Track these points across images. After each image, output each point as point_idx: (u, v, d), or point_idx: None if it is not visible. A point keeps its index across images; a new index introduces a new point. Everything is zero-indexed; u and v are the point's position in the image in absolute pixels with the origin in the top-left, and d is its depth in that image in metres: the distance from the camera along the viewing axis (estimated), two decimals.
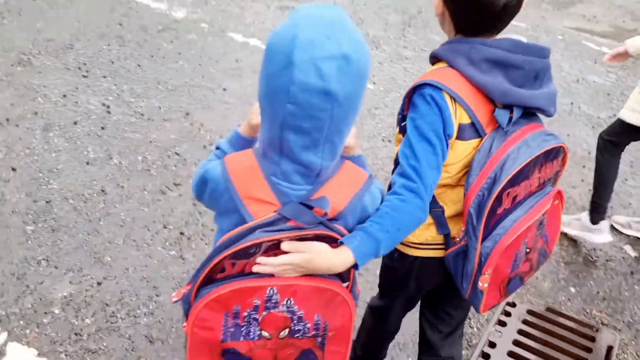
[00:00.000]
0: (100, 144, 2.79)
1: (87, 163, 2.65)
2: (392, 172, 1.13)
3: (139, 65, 3.52)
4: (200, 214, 2.46)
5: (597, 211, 2.54)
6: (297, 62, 0.81)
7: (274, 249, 0.94)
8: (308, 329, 0.99)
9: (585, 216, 2.59)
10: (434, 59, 1.15)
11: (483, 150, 1.09)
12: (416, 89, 1.09)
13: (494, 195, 1.07)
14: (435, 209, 1.17)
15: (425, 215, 1.07)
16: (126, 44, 3.76)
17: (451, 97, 1.06)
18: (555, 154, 1.17)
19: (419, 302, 1.46)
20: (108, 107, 3.08)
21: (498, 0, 1.03)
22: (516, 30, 4.96)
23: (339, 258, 0.96)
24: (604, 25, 5.60)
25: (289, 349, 1.01)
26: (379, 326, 1.56)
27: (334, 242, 0.97)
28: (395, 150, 1.18)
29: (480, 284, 1.14)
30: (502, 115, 1.08)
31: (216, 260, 0.93)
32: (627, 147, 2.51)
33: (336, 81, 0.83)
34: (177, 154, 2.82)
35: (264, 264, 0.94)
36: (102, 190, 2.50)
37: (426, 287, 1.36)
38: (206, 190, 1.01)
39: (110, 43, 3.73)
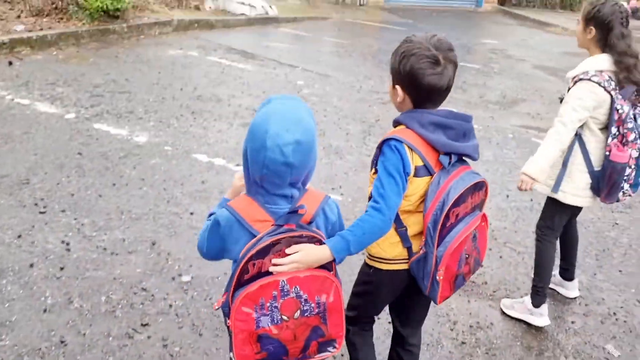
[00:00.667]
0: (59, 286, 2.58)
1: (45, 310, 2.42)
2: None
3: (100, 196, 3.41)
4: (172, 356, 2.24)
5: (538, 294, 2.63)
6: (268, 147, 1.31)
7: (281, 251, 1.36)
8: (313, 307, 1.39)
9: (527, 299, 2.68)
10: (396, 123, 1.62)
11: (434, 183, 1.56)
12: (385, 142, 1.56)
13: (444, 213, 1.52)
14: (400, 228, 1.62)
15: (386, 227, 1.52)
16: (86, 173, 3.66)
17: (409, 147, 1.54)
18: (480, 186, 1.64)
19: (391, 308, 1.91)
20: (67, 244, 2.90)
21: (442, 85, 1.54)
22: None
23: (322, 253, 1.41)
24: (548, 121, 5.95)
25: (302, 327, 1.39)
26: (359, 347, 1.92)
27: (317, 242, 1.41)
28: (369, 189, 1.65)
29: (437, 277, 1.57)
30: (444, 160, 1.56)
31: (242, 264, 1.32)
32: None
33: (292, 157, 1.31)
34: (144, 289, 2.63)
35: (276, 263, 1.35)
36: (62, 342, 2.26)
37: (394, 294, 1.78)
38: (218, 233, 1.41)
39: (69, 174, 3.62)
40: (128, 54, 6.74)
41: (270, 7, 10.75)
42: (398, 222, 1.61)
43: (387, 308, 1.93)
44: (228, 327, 1.38)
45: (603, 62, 2.26)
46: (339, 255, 1.45)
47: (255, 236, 1.36)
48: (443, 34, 1.61)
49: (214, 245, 1.45)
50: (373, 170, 1.62)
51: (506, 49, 10.18)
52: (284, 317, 1.37)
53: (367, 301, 1.83)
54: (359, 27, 11.51)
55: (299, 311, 1.38)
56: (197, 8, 9.80)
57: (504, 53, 9.82)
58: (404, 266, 1.66)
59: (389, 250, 1.65)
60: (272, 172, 1.33)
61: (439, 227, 1.54)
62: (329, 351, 1.48)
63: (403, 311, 1.88)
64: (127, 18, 7.62)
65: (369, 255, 1.71)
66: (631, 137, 2.23)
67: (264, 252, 1.34)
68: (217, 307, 1.40)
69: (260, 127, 1.33)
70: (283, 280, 1.35)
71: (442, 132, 1.56)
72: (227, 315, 1.39)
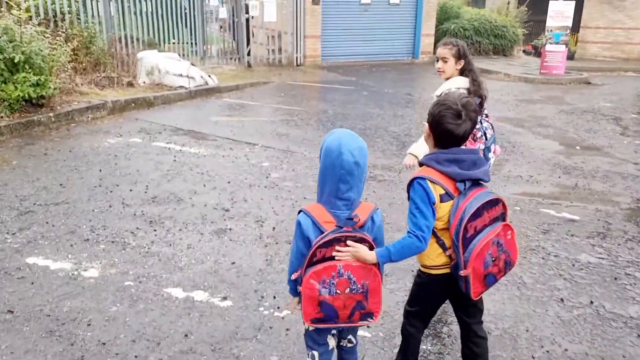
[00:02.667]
0: None
1: None
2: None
3: None
4: None
5: None
6: (343, 152, 1.87)
7: (341, 243, 1.89)
8: (359, 287, 1.92)
9: None
10: (421, 164, 2.08)
11: (454, 206, 1.98)
12: (411, 182, 2.01)
13: (462, 227, 1.95)
14: (439, 241, 2.06)
15: (421, 246, 1.96)
16: (21, 347, 2.63)
17: (431, 181, 1.97)
18: (494, 203, 2.05)
19: (455, 309, 2.34)
20: None
21: (457, 133, 1.98)
22: None
23: (371, 255, 1.91)
24: (546, 185, 5.51)
25: (350, 299, 1.92)
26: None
27: (366, 243, 1.92)
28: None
29: (464, 273, 2.00)
30: (460, 186, 1.99)
31: (312, 250, 1.87)
32: None
33: (359, 157, 1.88)
34: None
35: (339, 250, 1.89)
36: None
37: (444, 294, 2.25)
38: (301, 232, 1.93)
39: None
40: (59, 149, 5.71)
41: (209, 76, 10.05)
42: (437, 237, 2.05)
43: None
44: (299, 292, 1.94)
45: (463, 82, 3.16)
46: (382, 260, 1.92)
47: (323, 232, 1.89)
48: (469, 97, 2.11)
49: (301, 244, 1.94)
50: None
51: None
52: (338, 291, 1.90)
53: (422, 299, 2.27)
54: (303, 89, 11.01)
55: (348, 288, 1.91)
56: (130, 85, 8.91)
57: None
58: (448, 270, 2.09)
59: (437, 260, 2.08)
60: (347, 171, 1.86)
61: (461, 238, 1.95)
62: (368, 320, 1.99)
63: (464, 305, 2.28)
64: (53, 105, 6.61)
65: (423, 265, 2.15)
66: (478, 134, 3.15)
67: (327, 244, 1.87)
68: (294, 278, 1.98)
69: (334, 143, 1.90)
70: (340, 266, 1.88)
71: (456, 165, 1.97)
72: (299, 284, 1.94)
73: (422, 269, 2.16)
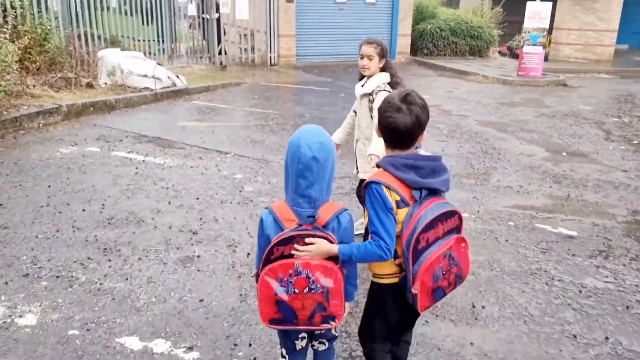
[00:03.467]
0: None
1: None
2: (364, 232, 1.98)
3: None
4: None
5: None
6: (301, 145, 1.82)
7: (299, 241, 1.81)
8: (318, 287, 1.83)
9: None
10: (378, 167, 1.96)
11: (407, 214, 1.87)
12: (367, 186, 1.89)
13: (414, 238, 1.84)
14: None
15: (385, 255, 1.85)
16: None
17: (386, 187, 1.86)
18: (450, 215, 1.94)
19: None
20: None
21: (397, 126, 1.87)
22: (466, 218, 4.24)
23: (331, 248, 1.83)
24: (537, 197, 5.16)
25: (309, 300, 1.83)
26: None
27: (328, 241, 1.84)
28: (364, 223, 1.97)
29: (414, 291, 1.89)
30: (416, 194, 1.87)
31: (269, 247, 1.81)
32: None
33: (317, 152, 1.81)
34: None
35: (297, 249, 1.81)
36: None
37: (398, 308, 2.05)
38: (262, 228, 1.89)
39: None
40: (2, 162, 5.06)
41: (177, 77, 9.42)
42: None
43: None
44: (257, 291, 1.89)
45: (386, 77, 3.44)
46: (342, 256, 1.85)
47: (282, 230, 1.84)
48: (411, 91, 1.94)
49: (261, 242, 1.91)
50: (365, 209, 1.94)
51: (440, 104, 9.63)
52: (296, 290, 1.82)
53: (376, 315, 2.11)
54: (277, 91, 10.49)
55: (307, 288, 1.82)
56: (89, 86, 8.21)
57: (440, 109, 9.23)
58: (396, 280, 1.98)
59: (387, 268, 1.98)
60: (305, 166, 1.81)
61: (412, 249, 1.86)
62: (330, 324, 1.90)
63: (407, 322, 2.21)
64: None
65: (374, 274, 2.04)
66: None
67: (285, 242, 1.81)
68: (252, 275, 2.18)
69: (295, 137, 1.87)
70: (297, 264, 1.81)
71: (414, 172, 1.88)
72: (257, 280, 1.88)
73: (373, 278, 2.07)
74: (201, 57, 12.68)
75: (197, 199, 4.51)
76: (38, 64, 7.90)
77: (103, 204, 4.24)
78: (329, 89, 10.78)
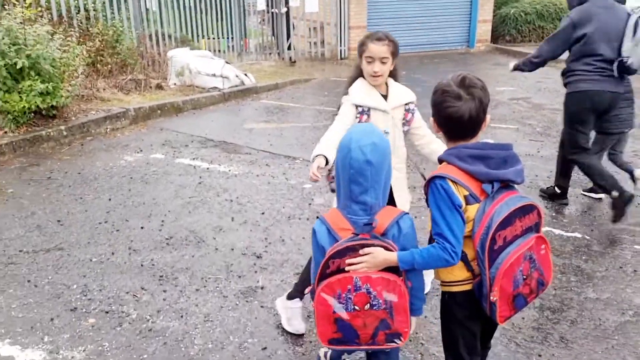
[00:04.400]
0: None
1: None
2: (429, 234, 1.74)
3: None
4: None
5: None
6: (352, 149, 1.65)
7: (355, 252, 1.64)
8: (380, 303, 1.64)
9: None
10: (440, 161, 1.75)
11: (479, 211, 1.65)
12: (429, 182, 1.68)
13: (489, 237, 1.62)
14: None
15: (451, 259, 1.64)
16: None
17: (452, 181, 1.65)
18: (528, 210, 1.70)
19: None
20: None
21: (459, 116, 1.65)
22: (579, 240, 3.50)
23: (390, 256, 1.64)
24: None
25: (372, 317, 1.65)
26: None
27: (387, 249, 1.66)
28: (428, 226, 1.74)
29: (492, 298, 1.65)
30: (487, 188, 1.66)
31: (324, 261, 1.65)
32: None
33: (370, 155, 1.64)
34: None
35: (350, 262, 1.64)
36: None
37: (473, 317, 1.79)
38: (316, 241, 1.73)
39: None
40: (67, 171, 4.89)
41: (245, 75, 9.11)
42: None
43: None
44: (313, 308, 1.71)
45: (409, 94, 2.66)
46: (403, 265, 1.64)
47: (337, 241, 1.67)
48: (466, 73, 1.70)
49: (317, 255, 1.73)
50: (429, 211, 1.73)
51: (529, 97, 8.68)
52: (356, 307, 1.64)
53: (452, 328, 1.84)
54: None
55: (368, 304, 1.64)
56: (159, 87, 8.07)
57: (529, 102, 8.30)
58: (470, 286, 1.73)
59: (458, 274, 1.74)
60: (357, 171, 1.64)
61: (487, 250, 1.62)
62: (395, 342, 1.71)
63: (483, 334, 1.91)
64: (67, 116, 5.83)
65: (442, 282, 1.79)
66: None
67: (340, 254, 1.64)
68: (306, 292, 1.92)
69: (345, 139, 1.70)
70: (357, 278, 1.62)
71: (482, 163, 1.65)
72: (312, 297, 1.70)
73: (442, 286, 1.83)
74: (270, 53, 12.37)
75: (263, 213, 4.08)
76: (110, 66, 7.86)
77: (163, 220, 3.91)
78: (404, 82, 10.06)
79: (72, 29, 6.48)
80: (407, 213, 1.74)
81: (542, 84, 9.89)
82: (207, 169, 5.05)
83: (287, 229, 3.82)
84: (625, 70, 3.77)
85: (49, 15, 7.23)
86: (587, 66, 3.85)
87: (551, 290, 3.10)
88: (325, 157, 2.20)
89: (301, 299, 2.66)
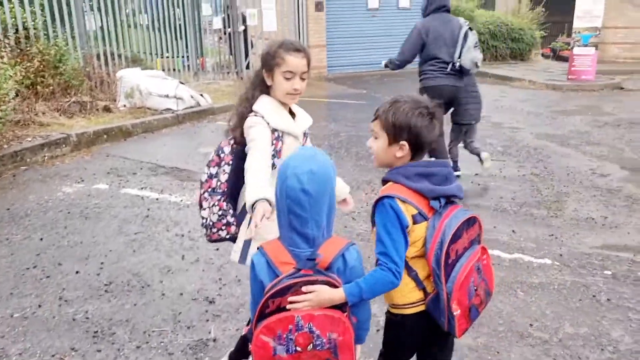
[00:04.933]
0: None
1: None
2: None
3: None
4: None
5: None
6: (288, 176, 1.54)
7: (298, 289, 1.52)
8: (324, 342, 1.53)
9: None
10: (385, 182, 1.74)
11: (430, 227, 1.66)
12: (378, 202, 1.67)
13: (444, 252, 1.62)
14: (411, 272, 1.71)
15: (396, 280, 1.62)
16: None
17: (401, 200, 1.64)
18: (472, 222, 1.74)
19: (425, 354, 1.90)
20: None
21: (433, 138, 1.71)
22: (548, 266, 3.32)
23: (336, 294, 1.55)
24: (630, 231, 4.18)
25: (315, 358, 1.53)
26: None
27: (332, 286, 1.56)
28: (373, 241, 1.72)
29: (453, 312, 1.64)
30: (435, 204, 1.67)
31: (263, 300, 1.51)
32: None
33: (307, 184, 1.52)
34: None
35: (292, 301, 1.52)
36: None
37: (420, 336, 1.81)
38: (255, 275, 1.60)
39: None
40: None
41: (201, 95, 8.75)
42: (408, 268, 1.70)
43: None
44: (250, 352, 1.57)
45: None
46: (351, 299, 1.57)
47: (277, 276, 1.55)
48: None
49: (256, 288, 1.60)
50: (373, 229, 1.72)
51: (488, 115, 8.63)
52: (298, 349, 1.51)
53: (398, 348, 1.86)
54: (308, 106, 9.44)
55: (311, 344, 1.52)
56: (107, 110, 7.61)
57: (489, 121, 8.26)
58: (423, 307, 1.74)
59: (411, 296, 1.73)
60: (294, 201, 1.52)
61: (442, 265, 1.62)
62: None
63: (439, 348, 1.89)
64: None
65: (393, 305, 1.78)
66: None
67: (282, 292, 1.51)
68: (243, 334, 1.80)
69: (283, 165, 1.58)
70: (298, 317, 1.50)
71: (427, 180, 1.68)
72: (250, 341, 1.57)
73: (392, 309, 1.81)
74: (228, 72, 12.07)
75: (217, 249, 3.72)
76: (52, 87, 7.35)
77: (102, 262, 3.49)
78: (364, 101, 9.95)
79: (4, 50, 5.96)
80: (354, 244, 1.64)
81: (499, 102, 9.96)
82: (157, 199, 4.65)
83: (243, 268, 3.45)
84: (460, 70, 4.83)
85: None
86: (432, 67, 4.89)
87: (528, 322, 2.91)
88: (267, 200, 1.77)
89: None
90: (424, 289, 1.71)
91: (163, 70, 10.74)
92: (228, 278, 3.34)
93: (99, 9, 9.43)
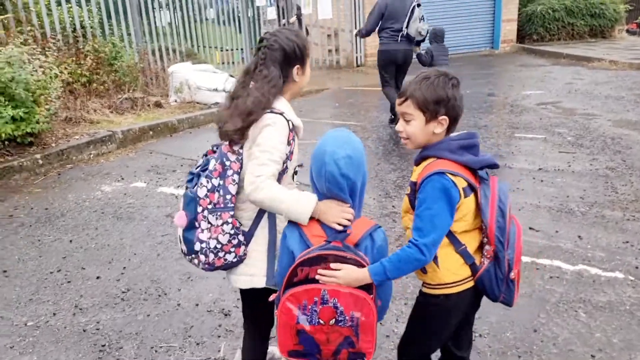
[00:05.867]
0: None
1: None
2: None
3: None
4: None
5: None
6: (327, 162, 1.60)
7: (326, 263, 1.57)
8: (347, 319, 1.57)
9: None
10: (422, 159, 1.71)
11: (483, 197, 1.65)
12: (427, 180, 1.61)
13: (508, 219, 1.65)
14: (460, 248, 1.67)
15: (424, 259, 1.58)
16: None
17: (451, 174, 1.61)
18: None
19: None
20: None
21: (462, 106, 1.69)
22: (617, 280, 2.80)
23: (362, 274, 1.57)
24: None
25: (336, 333, 1.59)
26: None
27: (360, 265, 1.58)
28: (407, 233, 1.75)
29: (511, 277, 1.67)
30: (483, 173, 1.69)
31: (292, 268, 1.57)
32: None
33: (345, 168, 1.60)
34: None
35: (321, 273, 1.57)
36: None
37: (459, 317, 1.78)
38: (285, 244, 1.67)
39: None
40: (32, 207, 4.42)
41: None
42: (456, 243, 1.66)
43: None
44: (276, 317, 1.63)
45: None
46: (376, 278, 1.57)
47: (309, 247, 1.61)
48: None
49: (286, 259, 1.65)
50: (413, 210, 1.69)
51: (559, 101, 7.88)
52: (321, 321, 1.57)
53: (439, 332, 1.79)
54: (362, 96, 9.31)
55: (334, 319, 1.57)
56: (158, 105, 7.63)
57: (560, 107, 7.51)
58: (471, 284, 1.71)
59: (460, 272, 1.68)
60: (333, 185, 1.61)
61: (507, 231, 1.64)
62: None
63: (459, 333, 1.87)
64: (46, 142, 5.40)
65: (434, 285, 1.72)
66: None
67: (310, 262, 1.56)
68: (271, 299, 1.66)
69: (319, 149, 1.63)
70: (325, 290, 1.55)
71: (468, 152, 1.66)
72: (276, 305, 1.63)
73: (431, 289, 1.72)
74: None
75: None
76: (106, 85, 7.47)
77: (124, 267, 3.37)
78: None
79: (49, 50, 6.06)
80: (381, 227, 1.70)
81: (573, 85, 9.07)
82: None
83: None
84: (408, 37, 6.29)
85: (31, 34, 6.85)
86: (386, 34, 6.36)
87: (590, 353, 2.44)
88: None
89: None
90: (472, 264, 1.68)
91: (223, 63, 10.77)
92: None
93: (167, 6, 9.65)
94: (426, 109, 1.63)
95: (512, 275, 1.65)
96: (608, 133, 6.12)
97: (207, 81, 8.00)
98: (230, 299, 3.01)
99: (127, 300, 3.01)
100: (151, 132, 6.44)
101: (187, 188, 1.81)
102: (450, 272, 1.68)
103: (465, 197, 1.63)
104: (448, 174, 1.60)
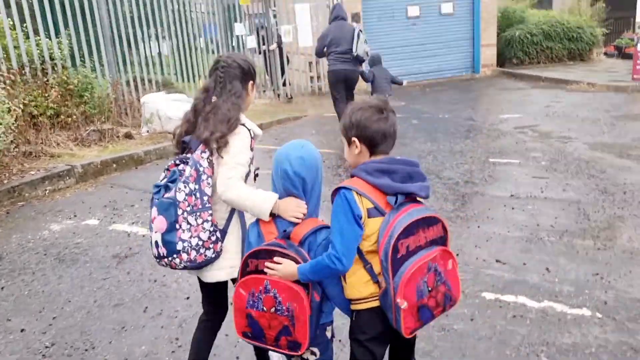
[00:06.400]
0: None
1: None
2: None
3: None
4: None
5: None
6: (282, 161, 1.83)
7: (271, 257, 1.77)
8: (284, 309, 1.74)
9: None
10: (351, 176, 1.84)
11: (384, 222, 1.72)
12: (335, 193, 1.76)
13: (392, 245, 1.66)
14: (366, 265, 1.76)
15: (336, 268, 1.69)
16: None
17: (357, 193, 1.73)
18: (431, 222, 1.77)
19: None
20: None
21: (388, 128, 1.78)
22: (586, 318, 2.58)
23: (294, 269, 1.73)
24: None
25: (276, 320, 1.77)
26: None
27: (297, 262, 1.76)
28: None
29: (399, 304, 1.67)
30: (391, 200, 1.73)
31: (244, 259, 1.82)
32: None
33: (298, 167, 1.81)
34: None
35: (267, 266, 1.76)
36: None
37: (383, 335, 1.83)
38: (248, 236, 1.94)
39: None
40: None
41: None
42: (364, 261, 1.76)
43: None
44: (231, 301, 1.90)
45: None
46: (301, 277, 1.73)
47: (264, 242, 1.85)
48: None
49: (246, 250, 1.89)
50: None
51: (536, 124, 7.77)
52: (264, 308, 1.77)
53: (358, 346, 1.85)
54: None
55: (274, 308, 1.76)
56: (127, 136, 7.43)
57: (536, 131, 7.39)
58: (377, 302, 1.77)
59: (364, 290, 1.77)
60: (287, 182, 1.82)
61: (390, 259, 1.67)
62: (295, 350, 1.80)
63: (396, 350, 1.96)
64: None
65: (351, 300, 1.82)
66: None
67: (256, 255, 1.79)
68: (234, 285, 1.87)
69: (278, 152, 1.87)
70: (267, 281, 1.76)
71: (388, 177, 1.74)
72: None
73: (351, 305, 1.84)
74: (264, 91, 11.79)
75: (188, 298, 3.26)
76: (75, 116, 7.28)
77: (54, 318, 3.11)
78: (400, 115, 9.14)
79: (3, 84, 5.87)
80: (328, 227, 1.81)
81: (550, 108, 8.97)
82: (143, 236, 4.26)
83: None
84: (357, 58, 7.15)
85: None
86: (332, 57, 7.23)
87: None
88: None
89: None
90: (377, 283, 1.76)
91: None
92: (187, 337, 2.84)
93: (157, 36, 9.67)
94: (344, 134, 1.83)
95: (399, 302, 1.67)
96: (583, 157, 5.98)
97: (177, 111, 7.82)
98: (164, 350, 2.76)
99: (49, 357, 2.74)
100: (114, 165, 6.21)
101: (155, 199, 2.02)
102: (355, 289, 1.79)
103: (370, 217, 1.73)
104: (354, 192, 1.72)
